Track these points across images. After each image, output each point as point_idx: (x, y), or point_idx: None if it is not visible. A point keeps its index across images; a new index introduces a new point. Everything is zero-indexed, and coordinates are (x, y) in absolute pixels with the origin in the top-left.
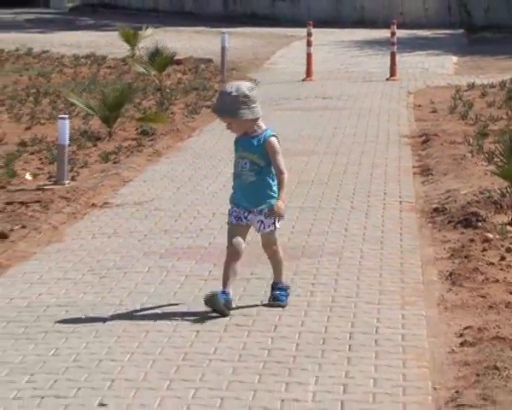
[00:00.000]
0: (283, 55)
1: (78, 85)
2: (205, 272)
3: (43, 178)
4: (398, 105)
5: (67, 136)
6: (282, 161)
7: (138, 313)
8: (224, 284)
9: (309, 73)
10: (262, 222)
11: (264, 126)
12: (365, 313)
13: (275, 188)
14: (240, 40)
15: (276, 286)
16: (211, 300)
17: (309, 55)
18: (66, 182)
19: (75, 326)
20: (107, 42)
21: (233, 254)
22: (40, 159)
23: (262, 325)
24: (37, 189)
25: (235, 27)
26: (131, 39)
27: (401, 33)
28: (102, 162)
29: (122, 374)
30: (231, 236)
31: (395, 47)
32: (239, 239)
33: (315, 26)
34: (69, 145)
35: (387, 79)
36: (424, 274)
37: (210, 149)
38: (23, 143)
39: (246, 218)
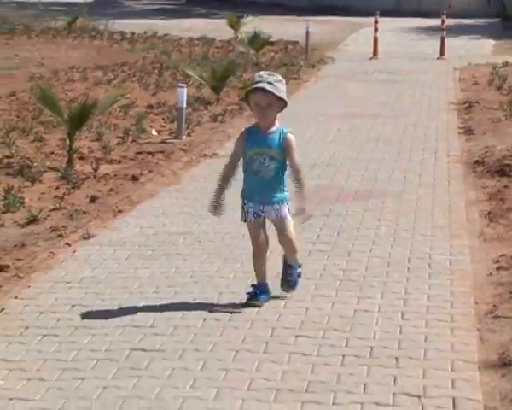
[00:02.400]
0: (354, 39)
1: (193, 61)
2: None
3: (165, 133)
4: (446, 79)
5: (185, 101)
6: (298, 158)
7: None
8: (260, 277)
9: (375, 52)
10: (278, 210)
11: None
12: (420, 242)
13: (285, 183)
14: (320, 26)
15: (292, 269)
16: (253, 301)
17: (375, 39)
18: (184, 137)
19: (192, 249)
20: (215, 27)
21: (259, 249)
22: (163, 119)
23: (339, 251)
24: (161, 142)
25: (316, 16)
26: (235, 25)
27: (449, 22)
28: (212, 122)
29: (229, 288)
30: (253, 232)
31: (444, 32)
32: (261, 234)
33: (380, 16)
34: (186, 108)
35: (438, 58)
36: (467, 213)
37: (295, 112)
38: (150, 106)
39: (262, 211)
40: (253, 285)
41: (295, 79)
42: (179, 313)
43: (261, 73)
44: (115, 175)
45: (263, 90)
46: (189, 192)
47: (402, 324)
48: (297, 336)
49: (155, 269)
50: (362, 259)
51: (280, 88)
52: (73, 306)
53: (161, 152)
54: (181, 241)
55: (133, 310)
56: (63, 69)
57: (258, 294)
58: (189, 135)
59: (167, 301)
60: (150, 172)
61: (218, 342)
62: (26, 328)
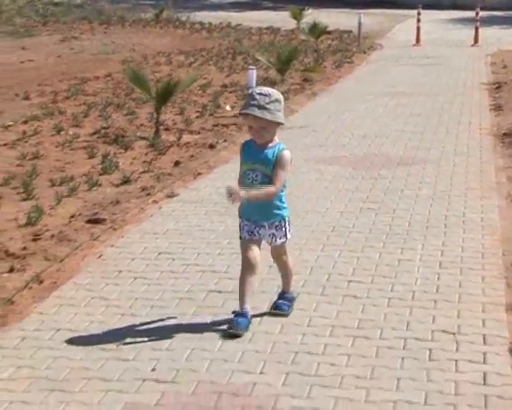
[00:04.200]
0: (400, 29)
1: (261, 47)
2: (345, 173)
3: (237, 109)
4: (479, 63)
5: (254, 81)
6: (282, 178)
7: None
8: (242, 301)
9: (418, 40)
10: (274, 235)
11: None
12: (456, 202)
13: (284, 199)
14: (370, 18)
15: (282, 296)
16: (232, 327)
17: (418, 28)
18: None
19: None
20: (281, 18)
21: (249, 268)
22: (236, 96)
23: (385, 209)
24: (233, 116)
25: (368, 9)
26: (298, 17)
27: (483, 14)
28: None
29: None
30: (245, 250)
31: (478, 23)
32: (254, 253)
33: (423, 9)
34: (255, 87)
35: (472, 45)
36: (496, 177)
37: (348, 91)
38: (224, 86)
39: (258, 232)
40: (234, 312)
41: (349, 62)
42: None
43: (254, 92)
44: (195, 144)
45: (254, 115)
46: None
47: (440, 271)
48: (349, 281)
49: (229, 223)
50: (405, 216)
51: (274, 109)
52: (160, 253)
53: (234, 124)
54: None
55: (211, 257)
56: (151, 54)
57: (237, 322)
58: None
59: (239, 250)
60: (225, 141)
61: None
62: (120, 272)
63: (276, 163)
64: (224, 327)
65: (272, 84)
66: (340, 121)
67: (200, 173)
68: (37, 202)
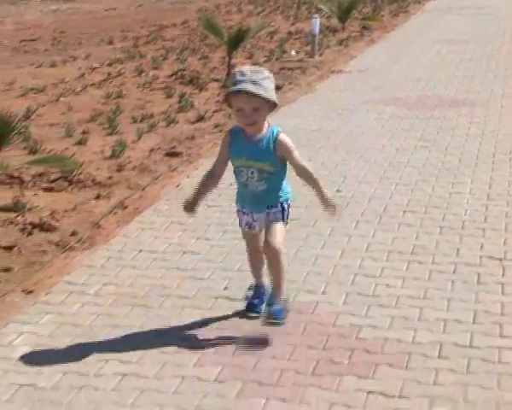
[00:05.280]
0: None
1: None
2: (400, 113)
3: (302, 54)
4: None
5: (318, 28)
6: (299, 157)
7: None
8: (257, 276)
9: None
10: (269, 213)
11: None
12: (503, 140)
13: (285, 184)
14: None
15: (272, 302)
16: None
17: None
18: (316, 57)
19: (322, 144)
20: None
21: (255, 253)
22: (301, 42)
23: (438, 146)
24: (299, 60)
25: None
26: None
27: None
28: (338, 45)
29: (351, 172)
30: (247, 239)
31: None
32: (257, 243)
33: None
34: (318, 34)
35: None
36: None
37: (405, 37)
38: (290, 33)
39: (254, 220)
40: (250, 288)
41: (404, 12)
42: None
43: (243, 68)
44: None
45: (246, 93)
46: (320, 99)
47: (487, 203)
48: (404, 211)
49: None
50: (456, 153)
51: (268, 87)
52: (231, 184)
53: (299, 68)
54: (314, 136)
55: None
56: (224, 4)
57: (255, 304)
58: (320, 55)
59: (306, 185)
60: (290, 83)
61: (342, 214)
62: None
63: (284, 153)
64: None
65: (334, 31)
66: (395, 66)
67: None
68: (120, 137)
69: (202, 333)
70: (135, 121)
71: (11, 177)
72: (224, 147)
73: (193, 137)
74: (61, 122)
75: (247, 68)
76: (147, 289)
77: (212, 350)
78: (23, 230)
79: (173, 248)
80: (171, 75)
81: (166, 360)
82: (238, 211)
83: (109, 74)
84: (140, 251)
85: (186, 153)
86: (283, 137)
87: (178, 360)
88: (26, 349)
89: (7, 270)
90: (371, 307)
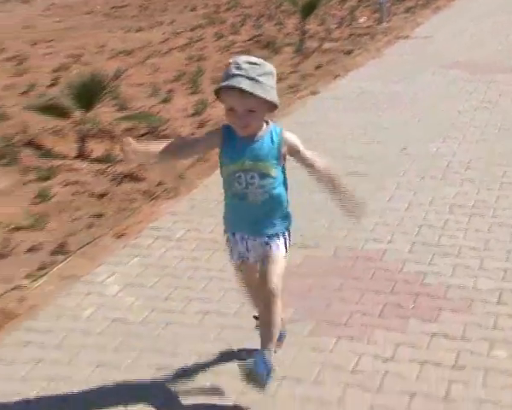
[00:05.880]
0: None
1: None
2: (464, 76)
3: (371, 21)
4: None
5: None
6: (313, 154)
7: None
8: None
9: None
10: (268, 243)
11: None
12: None
13: (288, 200)
14: None
15: (259, 352)
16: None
17: None
18: (384, 23)
19: (388, 105)
20: None
21: (252, 286)
22: (369, 10)
23: (498, 108)
24: (367, 27)
25: None
26: None
27: None
28: (405, 13)
29: (413, 135)
30: (241, 275)
31: None
32: (253, 276)
33: None
34: (386, 2)
35: None
36: None
37: (469, 6)
38: (360, 1)
39: (248, 250)
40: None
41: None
42: (378, 147)
43: (240, 59)
44: (334, 50)
45: (241, 90)
46: (386, 63)
47: None
48: (467, 168)
49: (363, 117)
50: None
51: (267, 84)
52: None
53: (367, 34)
54: (381, 98)
55: (345, 147)
56: None
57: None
58: (388, 22)
59: (374, 143)
60: (359, 48)
61: (409, 169)
62: None
63: (292, 148)
64: None
65: (401, 0)
66: (460, 32)
67: (338, 75)
68: (202, 96)
69: None
70: (215, 82)
71: (103, 132)
72: (208, 140)
73: None
74: (147, 82)
75: (244, 59)
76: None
77: (286, 293)
78: (114, 179)
79: None
80: (249, 40)
81: (245, 301)
82: (228, 239)
83: (191, 39)
84: (220, 201)
85: None
86: (289, 133)
87: None
88: (116, 288)
89: (99, 216)
90: (435, 255)
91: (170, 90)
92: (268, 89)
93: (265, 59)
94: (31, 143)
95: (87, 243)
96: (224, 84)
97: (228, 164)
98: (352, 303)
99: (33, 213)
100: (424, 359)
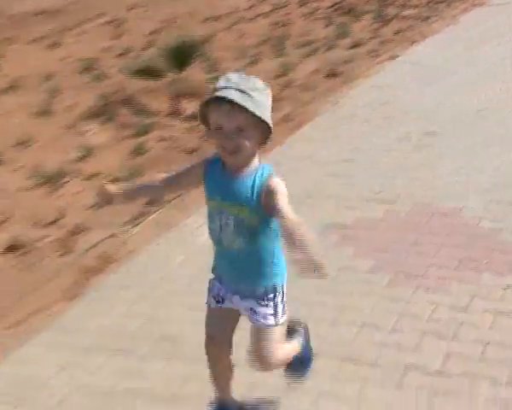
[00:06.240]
0: None
1: None
2: None
3: None
4: None
5: None
6: (287, 204)
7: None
8: (221, 392)
9: None
10: (253, 310)
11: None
12: None
13: (280, 255)
14: None
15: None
16: None
17: None
18: None
19: (466, 70)
20: None
21: (212, 354)
22: None
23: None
24: None
25: None
26: None
27: None
28: None
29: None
30: (207, 324)
31: None
32: (217, 332)
33: None
34: None
35: None
36: None
37: None
38: None
39: (231, 301)
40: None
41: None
42: (453, 109)
43: (230, 74)
44: (412, 17)
45: (230, 102)
46: (462, 30)
47: None
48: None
49: (439, 90)
50: None
51: (259, 101)
52: (383, 103)
53: (444, 1)
54: (458, 61)
55: (421, 108)
56: None
57: None
58: None
59: (449, 104)
60: (436, 15)
61: (483, 130)
62: (352, 116)
63: (270, 195)
64: None
65: None
66: None
67: (415, 41)
68: (286, 59)
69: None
70: (298, 47)
71: (194, 91)
72: (194, 169)
73: (350, 61)
74: (235, 46)
75: (234, 75)
76: (310, 190)
77: (365, 246)
78: (203, 136)
79: (325, 154)
80: (331, 6)
81: None
82: (211, 280)
83: (276, 5)
84: (298, 158)
85: (343, 74)
86: (276, 179)
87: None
88: (205, 238)
89: None
90: (510, 214)
91: (256, 54)
92: (260, 106)
93: (346, 25)
94: (127, 102)
95: (178, 195)
96: (212, 96)
97: (207, 199)
98: (428, 257)
99: (129, 166)
100: (497, 310)
